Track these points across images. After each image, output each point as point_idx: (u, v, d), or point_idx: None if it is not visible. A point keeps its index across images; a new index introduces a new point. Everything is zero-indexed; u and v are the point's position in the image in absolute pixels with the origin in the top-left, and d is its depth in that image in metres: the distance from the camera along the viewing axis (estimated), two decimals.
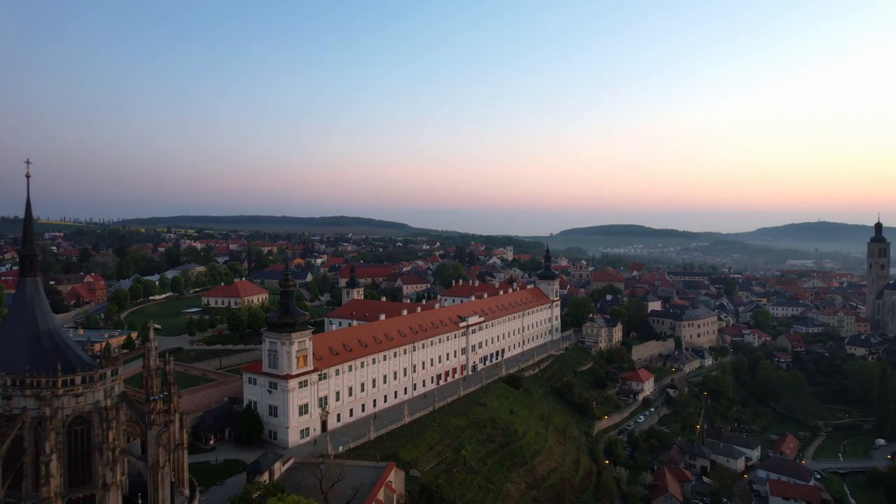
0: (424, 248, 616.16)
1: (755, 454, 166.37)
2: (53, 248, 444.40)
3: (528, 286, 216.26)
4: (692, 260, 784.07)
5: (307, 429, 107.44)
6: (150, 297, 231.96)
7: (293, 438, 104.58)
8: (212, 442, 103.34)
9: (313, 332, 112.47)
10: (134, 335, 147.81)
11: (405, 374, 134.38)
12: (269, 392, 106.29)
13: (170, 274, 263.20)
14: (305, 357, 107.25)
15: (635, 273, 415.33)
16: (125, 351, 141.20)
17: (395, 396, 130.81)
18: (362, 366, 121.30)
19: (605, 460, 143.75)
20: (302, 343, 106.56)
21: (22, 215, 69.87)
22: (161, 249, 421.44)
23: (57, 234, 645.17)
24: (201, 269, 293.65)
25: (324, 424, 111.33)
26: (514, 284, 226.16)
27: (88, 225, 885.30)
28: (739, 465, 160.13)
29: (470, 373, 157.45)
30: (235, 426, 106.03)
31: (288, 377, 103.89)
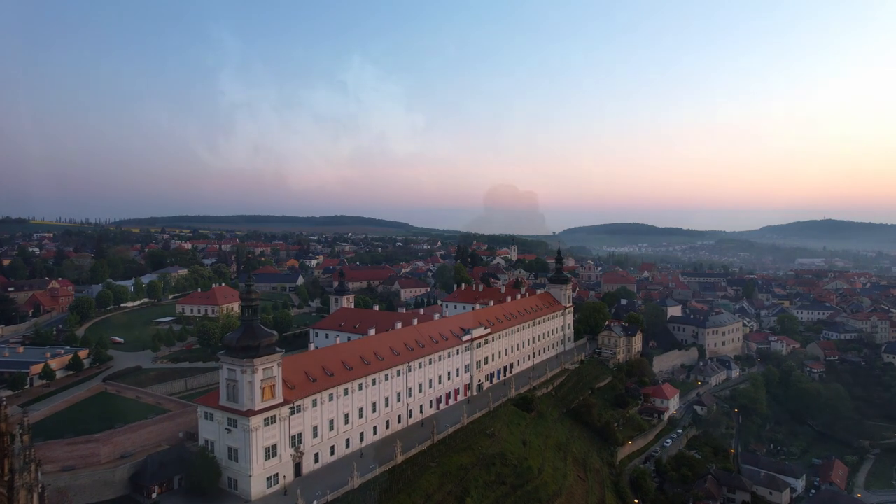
0: (425, 247, 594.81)
1: (800, 484, 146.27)
2: (35, 249, 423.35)
3: (539, 291, 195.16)
4: (700, 259, 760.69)
5: (275, 475, 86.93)
6: (122, 305, 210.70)
7: (257, 489, 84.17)
8: (154, 495, 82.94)
9: (287, 353, 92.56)
10: (83, 354, 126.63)
11: (399, 400, 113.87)
12: (228, 431, 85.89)
13: (146, 278, 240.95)
14: (273, 387, 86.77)
15: (646, 274, 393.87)
16: (70, 373, 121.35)
17: (387, 427, 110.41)
18: (346, 393, 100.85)
19: (634, 499, 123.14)
20: (268, 370, 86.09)
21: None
22: (147, 251, 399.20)
23: (45, 234, 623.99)
24: (183, 272, 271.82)
25: (297, 468, 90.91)
26: (522, 289, 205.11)
27: (81, 225, 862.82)
28: (784, 498, 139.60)
29: (475, 393, 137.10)
30: (188, 473, 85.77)
31: (250, 413, 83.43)
